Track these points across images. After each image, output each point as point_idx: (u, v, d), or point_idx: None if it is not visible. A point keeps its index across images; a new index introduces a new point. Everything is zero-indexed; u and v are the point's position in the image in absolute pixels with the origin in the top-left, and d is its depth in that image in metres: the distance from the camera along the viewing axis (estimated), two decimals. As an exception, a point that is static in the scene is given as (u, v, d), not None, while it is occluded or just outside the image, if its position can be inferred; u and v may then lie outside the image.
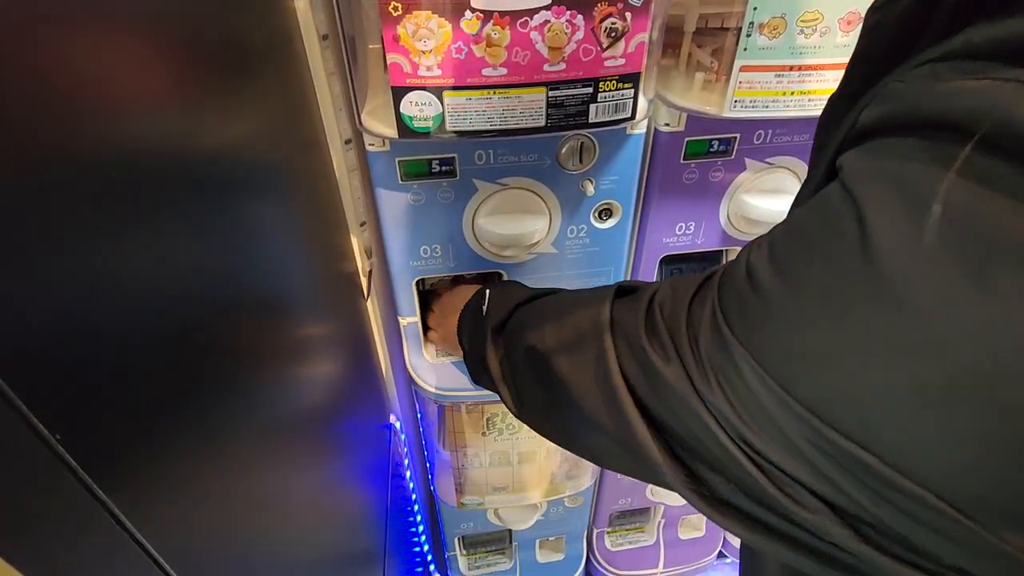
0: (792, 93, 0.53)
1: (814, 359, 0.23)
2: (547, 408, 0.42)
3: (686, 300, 0.31)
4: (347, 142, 0.62)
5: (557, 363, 0.39)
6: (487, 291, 0.54)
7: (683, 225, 0.69)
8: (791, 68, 0.51)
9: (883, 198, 0.21)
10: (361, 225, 0.70)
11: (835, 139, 0.27)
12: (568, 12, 0.45)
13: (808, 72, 0.51)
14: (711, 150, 0.63)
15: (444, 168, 0.59)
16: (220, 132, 0.41)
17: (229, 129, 0.44)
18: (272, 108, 0.52)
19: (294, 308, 0.59)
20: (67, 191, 0.21)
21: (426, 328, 0.74)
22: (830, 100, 0.32)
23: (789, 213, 0.30)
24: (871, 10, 0.29)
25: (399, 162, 0.57)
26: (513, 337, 0.47)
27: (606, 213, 0.66)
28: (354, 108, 0.53)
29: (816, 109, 0.54)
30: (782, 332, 0.24)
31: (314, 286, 0.63)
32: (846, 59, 0.51)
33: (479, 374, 0.53)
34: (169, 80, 0.33)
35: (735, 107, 0.54)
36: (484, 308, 0.52)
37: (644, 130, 0.60)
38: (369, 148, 0.56)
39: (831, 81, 0.52)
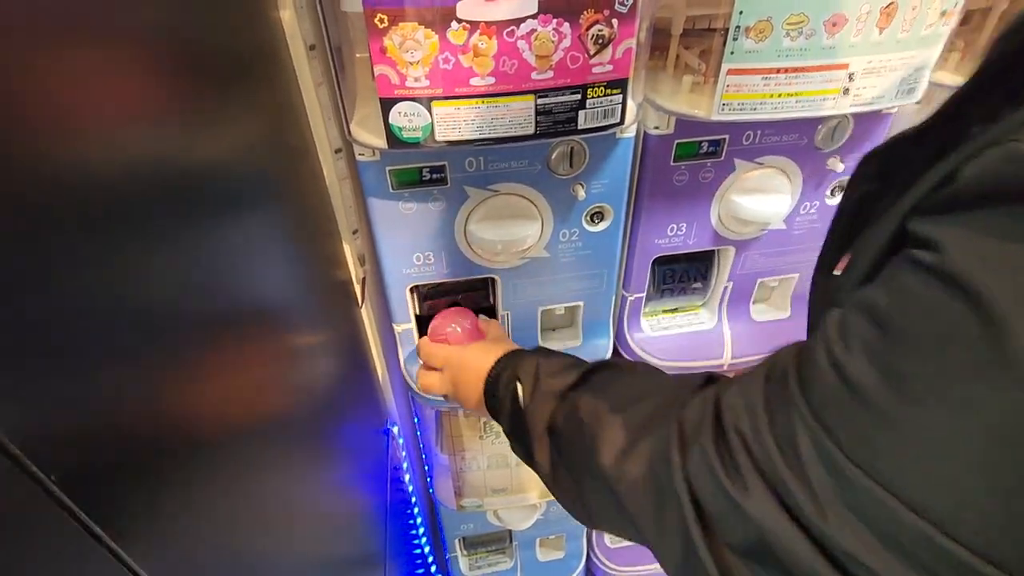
0: (780, 95, 0.53)
1: (961, 488, 0.20)
2: (611, 522, 0.39)
3: (761, 413, 0.26)
4: (337, 151, 0.62)
5: (624, 495, 0.34)
6: (516, 375, 0.49)
7: (675, 226, 0.69)
8: (778, 71, 0.51)
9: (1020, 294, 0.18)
10: (353, 233, 0.70)
11: (904, 187, 0.24)
12: (555, 20, 0.45)
13: (795, 74, 0.52)
14: (701, 152, 0.63)
15: (435, 176, 0.59)
16: (205, 145, 0.41)
17: (215, 142, 0.44)
18: (260, 119, 0.52)
19: (287, 318, 0.59)
20: (52, 212, 0.21)
21: (423, 331, 0.74)
22: (898, 138, 0.28)
23: (860, 293, 0.24)
24: (999, 37, 0.24)
25: (389, 171, 0.57)
26: (567, 447, 0.41)
27: (598, 216, 0.66)
28: (343, 118, 0.53)
29: (804, 110, 0.54)
30: (918, 455, 0.21)
31: (307, 295, 0.63)
32: (832, 60, 0.52)
33: (526, 462, 0.48)
34: (154, 94, 0.33)
35: (723, 110, 0.54)
36: (521, 398, 0.47)
37: (634, 133, 0.60)
38: (359, 158, 0.56)
39: (818, 82, 0.52)
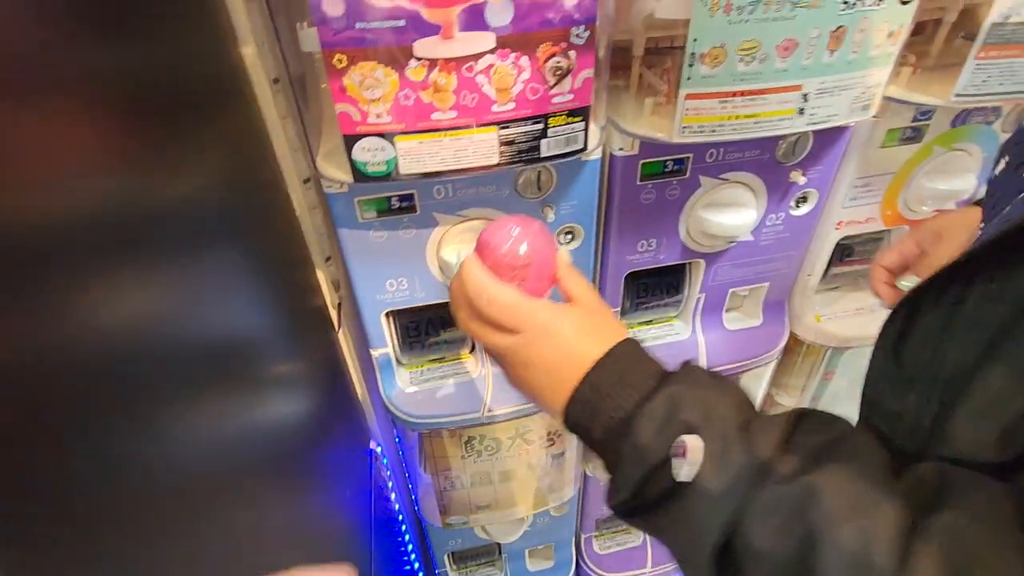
0: (737, 117, 0.54)
1: None
2: None
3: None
4: (306, 181, 0.62)
5: None
6: (679, 412, 0.31)
7: (645, 242, 0.70)
8: (734, 94, 0.52)
9: None
10: (327, 260, 0.70)
11: None
12: (513, 54, 0.46)
13: (751, 97, 0.53)
14: (666, 170, 0.64)
15: (404, 204, 0.59)
16: (173, 183, 0.42)
17: (182, 179, 0.44)
18: (224, 154, 0.52)
19: (262, 347, 0.59)
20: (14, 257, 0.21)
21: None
22: None
23: None
24: None
25: (358, 201, 0.58)
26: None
27: (568, 235, 0.67)
28: (308, 153, 0.53)
29: (762, 131, 0.55)
30: None
31: (282, 324, 0.63)
32: (786, 82, 0.53)
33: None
34: (119, 135, 0.33)
35: (684, 133, 0.55)
36: (687, 465, 0.29)
37: (600, 155, 0.61)
38: (327, 189, 0.57)
39: (774, 104, 0.54)
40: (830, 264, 0.83)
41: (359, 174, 0.50)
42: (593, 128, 0.56)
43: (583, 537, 1.19)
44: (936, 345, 0.28)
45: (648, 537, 1.21)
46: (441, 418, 0.74)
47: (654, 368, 0.35)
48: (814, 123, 0.56)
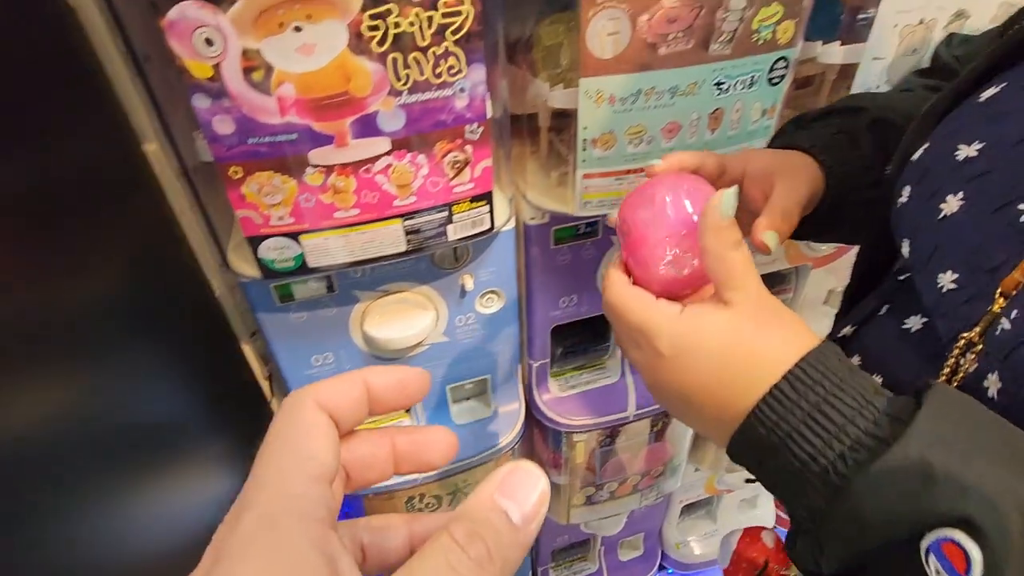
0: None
1: None
2: None
3: None
4: (222, 264, 0.62)
5: None
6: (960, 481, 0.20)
7: (566, 298, 0.73)
8: (627, 172, 0.56)
9: None
10: (252, 335, 0.70)
11: None
12: (409, 154, 0.47)
13: (644, 174, 0.56)
14: (579, 233, 0.67)
15: (328, 286, 0.60)
16: (81, 282, 0.42)
17: (91, 277, 0.44)
18: (135, 247, 0.52)
19: (187, 426, 0.59)
20: None
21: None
22: None
23: None
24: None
25: (274, 287, 0.58)
26: None
27: (491, 299, 0.69)
28: (217, 248, 0.54)
29: (658, 201, 0.59)
30: None
31: (206, 402, 0.63)
32: (676, 158, 0.56)
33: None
34: (25, 241, 0.33)
35: (585, 207, 0.58)
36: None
37: (512, 226, 0.63)
38: (241, 279, 0.57)
39: (666, 177, 0.57)
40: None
41: (267, 270, 0.51)
42: (500, 204, 0.59)
43: (539, 570, 1.20)
44: None
45: (603, 563, 1.24)
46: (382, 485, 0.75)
47: (872, 387, 0.25)
48: (706, 190, 0.59)
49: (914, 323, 0.34)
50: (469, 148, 0.49)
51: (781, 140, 0.46)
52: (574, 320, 0.76)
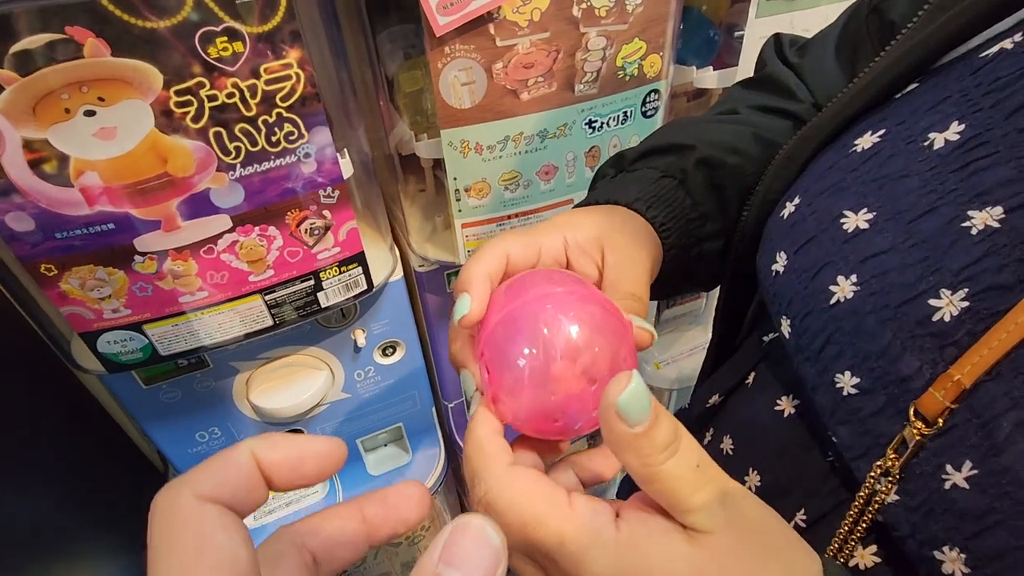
0: (518, 235, 0.55)
1: None
2: None
3: None
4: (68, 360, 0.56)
5: None
6: None
7: (472, 338, 0.70)
8: (508, 217, 0.53)
9: None
10: (131, 416, 0.64)
11: None
12: (257, 228, 0.43)
13: (526, 216, 0.54)
14: (475, 273, 0.64)
15: (192, 361, 0.55)
16: None
17: None
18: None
19: (76, 523, 0.54)
20: None
21: None
22: None
23: None
24: None
25: (136, 372, 0.53)
26: None
27: (390, 349, 0.65)
28: (57, 348, 0.48)
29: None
30: None
31: (95, 492, 0.58)
32: (557, 199, 0.54)
33: None
34: None
35: (469, 256, 0.55)
36: None
37: (400, 275, 0.60)
38: (94, 372, 0.51)
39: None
40: (659, 310, 0.88)
41: (112, 365, 0.45)
42: (380, 258, 0.55)
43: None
44: None
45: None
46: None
47: None
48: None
49: (786, 406, 0.30)
50: (327, 213, 0.45)
51: (601, 190, 0.35)
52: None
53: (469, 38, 0.42)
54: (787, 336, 0.28)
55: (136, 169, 0.37)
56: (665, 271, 0.33)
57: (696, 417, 0.37)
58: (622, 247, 0.29)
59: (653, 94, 0.51)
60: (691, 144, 0.36)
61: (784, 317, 0.28)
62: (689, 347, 0.90)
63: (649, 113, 0.52)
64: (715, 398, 0.36)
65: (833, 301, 0.25)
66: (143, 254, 0.40)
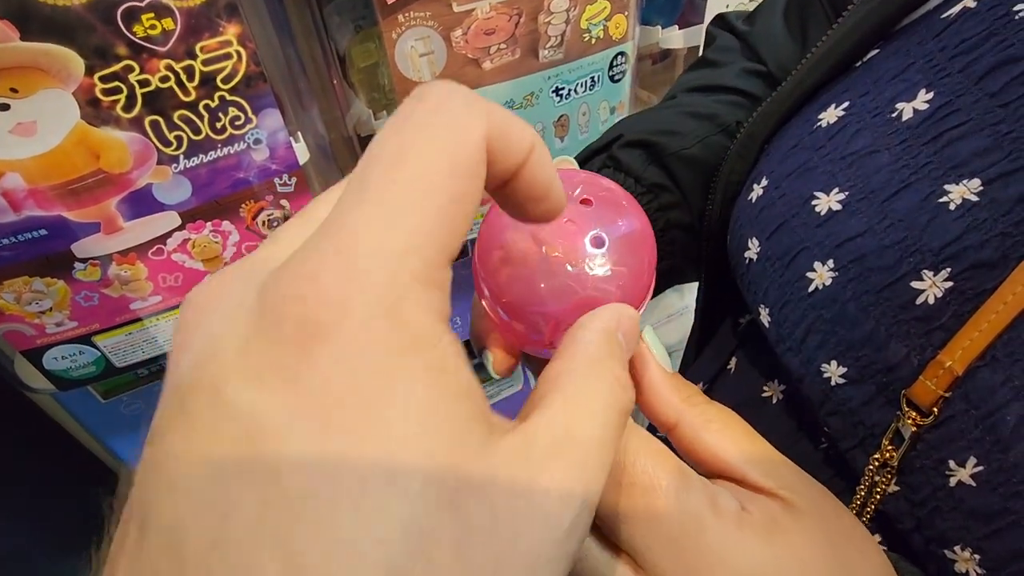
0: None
1: None
2: None
3: None
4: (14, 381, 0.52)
5: None
6: None
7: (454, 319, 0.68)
8: (479, 195, 0.51)
9: None
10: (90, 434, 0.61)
11: None
12: (209, 224, 0.40)
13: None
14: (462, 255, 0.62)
15: (154, 370, 0.51)
16: None
17: None
18: None
19: (43, 551, 0.51)
20: None
21: None
22: None
23: None
24: None
25: (92, 388, 0.49)
26: None
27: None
28: (2, 362, 0.44)
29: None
30: None
31: (61, 517, 0.55)
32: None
33: None
34: None
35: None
36: None
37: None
38: (43, 392, 0.48)
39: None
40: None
41: (63, 382, 0.42)
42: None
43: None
44: None
45: None
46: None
47: None
48: (568, 198, 0.56)
49: (772, 391, 0.29)
50: (285, 202, 0.42)
51: None
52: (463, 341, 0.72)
53: (424, 4, 0.39)
54: (767, 325, 0.26)
55: (65, 167, 0.33)
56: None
57: None
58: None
59: (620, 57, 0.49)
60: (615, 136, 0.33)
61: (762, 306, 0.26)
62: (666, 314, 0.90)
63: (617, 77, 0.51)
64: (699, 387, 0.35)
65: (811, 289, 0.24)
66: (84, 260, 0.37)
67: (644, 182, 0.32)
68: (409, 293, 0.10)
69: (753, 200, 0.27)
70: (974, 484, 0.19)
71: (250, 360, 0.09)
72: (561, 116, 0.50)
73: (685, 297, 0.90)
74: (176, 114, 0.35)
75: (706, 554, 0.14)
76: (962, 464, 0.19)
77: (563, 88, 0.48)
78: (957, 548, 0.20)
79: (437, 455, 0.09)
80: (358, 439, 0.09)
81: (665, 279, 0.35)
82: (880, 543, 0.23)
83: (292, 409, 0.09)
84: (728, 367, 0.33)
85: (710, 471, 0.17)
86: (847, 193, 0.23)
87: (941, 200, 0.20)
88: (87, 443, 0.61)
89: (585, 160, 0.35)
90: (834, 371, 0.23)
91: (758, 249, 0.26)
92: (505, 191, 0.13)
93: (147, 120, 0.34)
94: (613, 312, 0.15)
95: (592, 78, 0.49)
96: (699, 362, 0.36)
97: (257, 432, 0.09)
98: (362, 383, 0.09)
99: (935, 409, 0.20)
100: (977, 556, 0.19)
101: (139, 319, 0.41)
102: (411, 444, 0.09)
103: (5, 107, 0.31)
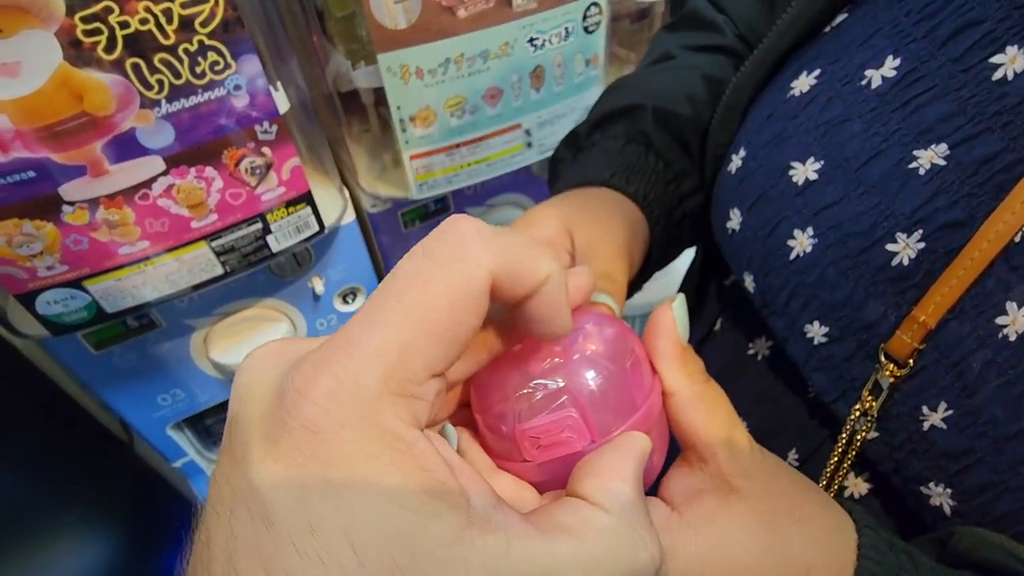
0: (469, 164, 0.54)
1: None
2: None
3: None
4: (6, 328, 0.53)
5: None
6: None
7: (433, 279, 0.70)
8: (457, 145, 0.52)
9: None
10: (83, 386, 0.62)
11: None
12: (192, 169, 0.41)
13: (475, 144, 0.53)
14: (429, 211, 0.64)
15: (143, 323, 0.53)
16: None
17: None
18: None
19: (36, 501, 0.53)
20: None
21: None
22: None
23: None
24: None
25: (84, 336, 0.51)
26: None
27: (351, 296, 0.65)
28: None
29: (496, 171, 0.56)
30: None
31: (52, 468, 0.56)
32: (504, 124, 0.54)
33: None
34: None
35: (422, 189, 0.54)
36: None
37: (353, 218, 0.59)
38: (37, 338, 0.49)
39: (500, 145, 0.54)
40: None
41: (56, 327, 0.43)
42: (329, 199, 0.54)
43: None
44: None
45: None
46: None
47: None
48: (545, 151, 0.57)
49: (759, 348, 0.30)
50: (267, 150, 0.44)
51: (567, 176, 0.32)
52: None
53: (397, -49, 0.40)
54: (752, 291, 0.28)
55: (49, 109, 0.34)
56: (656, 243, 0.31)
57: None
58: (591, 225, 0.27)
59: (594, 7, 0.50)
60: (640, 103, 0.33)
61: (747, 273, 0.28)
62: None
63: (591, 28, 0.52)
64: None
65: (793, 256, 0.25)
66: (71, 203, 0.38)
67: (672, 168, 0.33)
68: (386, 403, 0.13)
69: (732, 171, 0.28)
70: (945, 427, 0.21)
71: (268, 431, 0.13)
72: (537, 67, 0.51)
73: (680, 257, 0.93)
74: (156, 57, 0.36)
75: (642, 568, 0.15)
76: (934, 409, 0.21)
77: (537, 38, 0.49)
78: (931, 485, 0.22)
79: (391, 536, 0.12)
80: (326, 510, 0.12)
81: (663, 260, 0.35)
82: (867, 480, 0.26)
83: (285, 478, 0.12)
84: (715, 328, 0.34)
85: (686, 443, 0.19)
86: (822, 162, 0.24)
87: (911, 166, 0.22)
88: (78, 397, 0.62)
89: (597, 126, 0.35)
90: (817, 331, 0.24)
91: (740, 220, 0.28)
92: (515, 311, 0.15)
93: (128, 63, 0.35)
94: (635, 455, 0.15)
95: (566, 28, 0.50)
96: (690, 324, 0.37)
97: (258, 490, 0.12)
98: (334, 470, 0.12)
99: (910, 361, 0.21)
100: (949, 491, 0.21)
101: (127, 264, 0.43)
102: (371, 524, 0.12)
103: (-11, 46, 0.31)
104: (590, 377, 0.17)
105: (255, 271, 0.56)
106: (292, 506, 0.12)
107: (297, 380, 0.13)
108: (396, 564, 0.12)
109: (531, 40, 0.49)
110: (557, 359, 0.17)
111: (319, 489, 0.12)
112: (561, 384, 0.16)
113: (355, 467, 0.12)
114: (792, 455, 0.28)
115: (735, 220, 0.28)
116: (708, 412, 0.18)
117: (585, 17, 0.51)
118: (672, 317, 0.19)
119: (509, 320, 0.17)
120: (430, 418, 0.14)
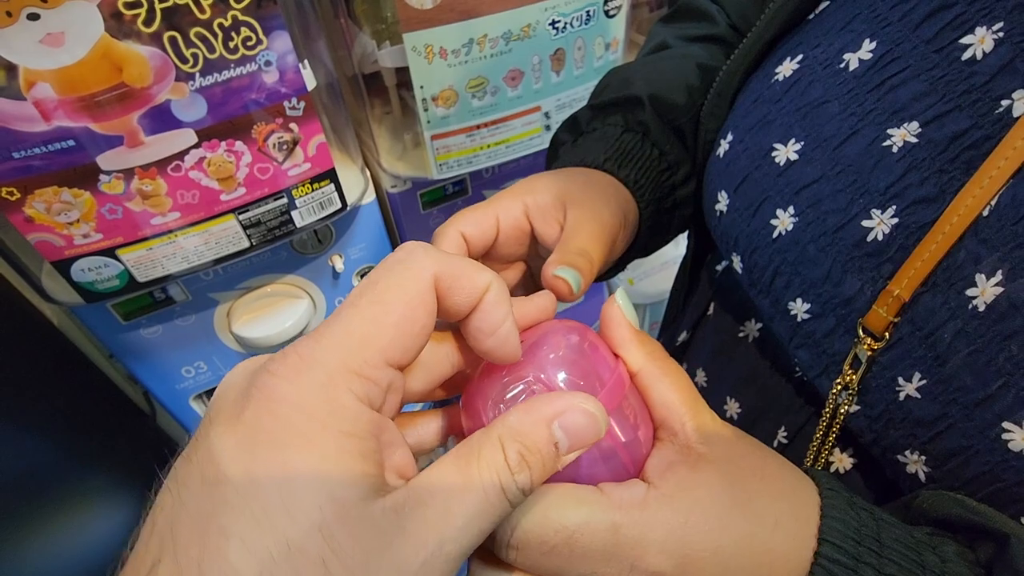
0: (488, 146, 0.55)
1: None
2: None
3: None
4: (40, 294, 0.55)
5: None
6: None
7: (449, 261, 0.71)
8: (478, 126, 0.53)
9: None
10: (110, 357, 0.64)
11: None
12: (223, 143, 0.42)
13: (496, 126, 0.54)
14: (448, 193, 0.65)
15: (168, 295, 0.54)
16: None
17: None
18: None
19: (60, 468, 0.54)
20: None
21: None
22: None
23: None
24: None
25: (113, 306, 0.52)
26: None
27: (369, 275, 0.66)
28: (26, 276, 0.47)
29: (515, 153, 0.57)
30: None
31: (76, 436, 0.58)
32: (525, 107, 0.54)
33: None
34: None
35: (442, 170, 0.55)
36: None
37: (373, 198, 0.60)
38: (68, 307, 0.51)
39: (520, 127, 0.55)
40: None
41: (90, 294, 0.45)
42: (351, 178, 0.55)
43: None
44: None
45: None
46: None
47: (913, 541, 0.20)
48: (564, 134, 0.58)
49: (750, 330, 0.31)
50: (294, 126, 0.45)
51: (566, 157, 0.34)
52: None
53: (425, -69, 0.41)
54: (739, 272, 0.29)
55: (91, 79, 0.36)
56: (643, 230, 0.32)
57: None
58: (586, 202, 0.28)
59: (615, -8, 0.51)
60: (638, 93, 0.34)
61: (734, 254, 0.29)
62: (661, 261, 0.93)
63: (612, 13, 0.52)
64: (683, 335, 0.37)
65: (775, 235, 0.26)
66: (108, 173, 0.40)
67: (667, 157, 0.34)
68: (342, 381, 0.15)
69: (720, 155, 0.30)
70: (919, 396, 0.22)
71: (235, 410, 0.14)
72: (557, 50, 0.51)
73: (678, 246, 0.93)
74: (192, 31, 0.37)
75: (631, 545, 0.17)
76: (909, 380, 0.22)
77: (559, 21, 0.50)
78: (907, 452, 0.23)
79: (324, 493, 0.14)
80: (271, 469, 0.14)
81: (652, 246, 0.36)
82: (851, 455, 0.26)
83: (240, 442, 0.14)
84: (708, 313, 0.35)
85: (657, 417, 0.20)
86: (803, 143, 0.25)
87: (885, 144, 0.22)
88: (103, 368, 0.64)
89: (598, 114, 0.36)
90: (799, 308, 0.25)
91: (727, 202, 0.29)
92: (463, 324, 0.18)
93: (166, 36, 0.36)
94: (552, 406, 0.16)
95: (588, 12, 0.51)
96: (686, 310, 0.38)
97: (213, 455, 0.14)
98: (289, 434, 0.14)
99: (887, 334, 0.22)
100: (923, 457, 0.22)
101: (159, 235, 0.44)
102: (308, 480, 0.14)
103: (35, 16, 0.33)
104: (553, 363, 0.19)
105: (278, 246, 0.57)
106: (240, 468, 0.14)
107: (269, 364, 0.15)
108: (323, 519, 0.13)
109: (553, 23, 0.49)
110: (524, 361, 0.19)
111: (267, 453, 0.14)
112: (530, 377, 0.18)
113: (305, 434, 0.14)
114: (781, 432, 0.29)
115: (723, 202, 0.29)
116: (673, 384, 0.20)
117: (606, 1, 0.51)
118: (619, 308, 0.21)
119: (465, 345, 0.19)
120: (381, 406, 0.16)
